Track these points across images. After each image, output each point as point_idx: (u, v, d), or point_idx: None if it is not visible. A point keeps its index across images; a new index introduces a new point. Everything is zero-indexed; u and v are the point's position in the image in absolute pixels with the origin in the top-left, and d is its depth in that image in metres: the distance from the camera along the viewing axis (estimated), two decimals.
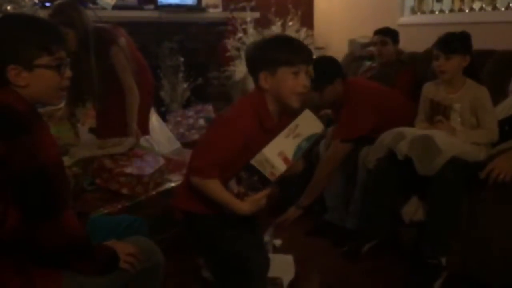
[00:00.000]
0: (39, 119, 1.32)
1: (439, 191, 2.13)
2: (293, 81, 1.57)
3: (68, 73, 1.37)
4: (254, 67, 1.63)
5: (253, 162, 1.50)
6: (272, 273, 1.84)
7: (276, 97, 1.60)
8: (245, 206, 1.54)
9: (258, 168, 1.50)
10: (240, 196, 1.57)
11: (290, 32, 4.49)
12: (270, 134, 1.56)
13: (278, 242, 2.58)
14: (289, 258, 2.37)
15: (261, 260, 1.70)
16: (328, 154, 2.62)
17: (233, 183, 1.58)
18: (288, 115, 1.65)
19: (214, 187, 1.57)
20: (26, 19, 1.38)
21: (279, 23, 4.38)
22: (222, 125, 1.65)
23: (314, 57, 3.82)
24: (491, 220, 2.11)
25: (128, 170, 2.21)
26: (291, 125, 1.57)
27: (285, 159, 1.50)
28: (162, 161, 2.44)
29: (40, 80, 1.30)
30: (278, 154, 1.50)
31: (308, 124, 1.60)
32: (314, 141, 1.61)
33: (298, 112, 1.63)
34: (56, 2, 2.62)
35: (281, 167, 1.49)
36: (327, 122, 3.18)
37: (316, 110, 3.37)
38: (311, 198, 2.52)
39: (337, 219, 2.78)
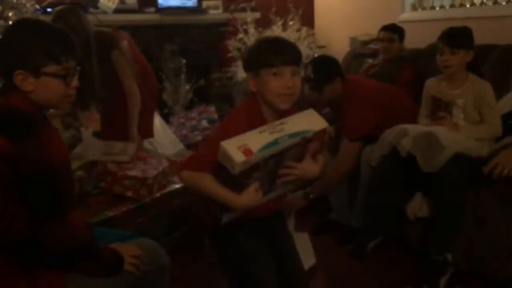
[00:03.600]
0: (46, 121, 1.34)
1: (443, 187, 2.12)
2: (274, 82, 1.55)
3: (75, 82, 1.37)
4: (244, 69, 1.66)
5: (218, 157, 1.45)
6: None
7: (263, 99, 1.60)
8: (244, 199, 1.48)
9: (222, 162, 1.43)
10: None
11: (291, 31, 4.49)
12: None
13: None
14: (305, 239, 2.39)
15: (270, 283, 1.66)
16: (340, 155, 2.61)
17: None
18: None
19: (208, 180, 1.52)
20: (39, 26, 1.37)
21: (280, 23, 4.38)
22: (218, 129, 1.67)
23: (315, 55, 3.85)
24: (496, 215, 2.11)
25: (132, 173, 2.22)
26: (276, 122, 1.52)
27: (247, 151, 1.40)
28: (165, 163, 2.44)
29: (46, 87, 1.31)
30: (238, 146, 1.41)
31: (302, 121, 1.54)
32: (310, 138, 1.52)
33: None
34: (56, 8, 2.63)
35: (238, 158, 1.38)
36: (328, 120, 3.18)
37: (316, 109, 3.40)
38: (319, 193, 2.52)
39: (342, 218, 2.79)
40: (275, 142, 1.44)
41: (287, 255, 1.77)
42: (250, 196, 1.47)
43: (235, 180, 1.44)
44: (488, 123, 2.28)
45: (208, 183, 1.51)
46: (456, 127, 2.29)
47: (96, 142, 2.55)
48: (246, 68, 1.63)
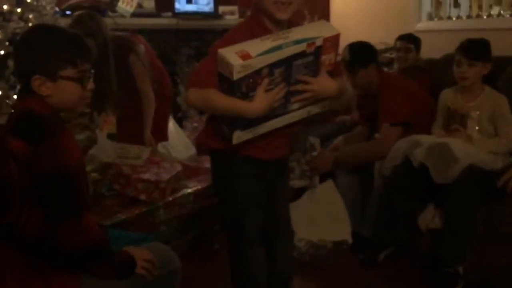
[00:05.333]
0: (62, 124, 1.37)
1: (455, 199, 2.11)
2: None
3: (91, 85, 1.40)
4: None
5: (218, 67, 1.38)
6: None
7: (261, 9, 1.50)
8: (255, 104, 1.39)
9: (222, 71, 1.36)
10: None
11: None
12: None
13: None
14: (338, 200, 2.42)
15: (255, 223, 1.67)
16: (380, 138, 2.58)
17: None
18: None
19: (214, 95, 1.45)
20: (54, 31, 1.41)
21: None
22: (218, 41, 1.56)
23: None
24: (509, 229, 2.09)
25: (146, 176, 2.24)
26: (281, 31, 1.44)
27: (244, 55, 1.32)
28: (179, 167, 2.47)
29: (63, 91, 1.34)
30: (236, 51, 1.33)
31: (311, 29, 1.45)
32: (320, 47, 1.41)
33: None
34: (75, 13, 2.69)
35: (235, 61, 1.30)
36: (341, 129, 3.19)
37: (333, 115, 3.42)
38: (346, 163, 2.58)
39: (353, 226, 2.78)
40: (278, 47, 1.36)
41: (278, 200, 1.77)
42: (262, 98, 1.39)
43: (236, 90, 1.36)
44: (503, 136, 2.27)
45: (215, 97, 1.45)
46: (470, 139, 2.28)
47: (111, 145, 2.58)
48: None
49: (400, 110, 2.53)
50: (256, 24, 1.53)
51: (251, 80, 1.35)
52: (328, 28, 1.46)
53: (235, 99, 1.40)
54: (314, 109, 1.59)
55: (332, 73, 1.55)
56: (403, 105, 2.54)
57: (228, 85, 1.36)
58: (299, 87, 1.48)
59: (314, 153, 2.60)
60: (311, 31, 1.44)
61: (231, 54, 1.33)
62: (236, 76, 1.32)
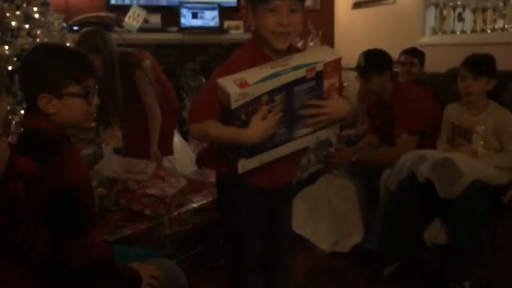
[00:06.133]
0: (69, 142, 1.38)
1: (461, 214, 2.11)
2: (270, 19, 1.43)
3: (96, 100, 1.42)
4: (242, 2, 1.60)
5: (218, 96, 1.38)
6: None
7: (261, 36, 1.49)
8: (250, 130, 1.38)
9: (222, 101, 1.36)
10: None
11: None
12: None
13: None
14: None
15: (254, 251, 1.67)
16: (398, 147, 2.58)
17: None
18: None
19: (213, 127, 1.45)
20: (58, 49, 1.45)
21: (300, 43, 4.42)
22: (217, 70, 1.56)
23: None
24: None
25: (151, 191, 2.25)
26: (281, 58, 1.43)
27: (242, 84, 1.32)
28: (184, 182, 2.47)
29: (69, 107, 1.36)
30: (234, 80, 1.34)
31: (311, 55, 1.45)
32: (321, 72, 1.40)
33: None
34: (82, 30, 2.73)
35: (232, 90, 1.30)
36: (347, 143, 3.19)
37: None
38: (364, 162, 2.63)
39: (359, 241, 2.77)
40: (276, 74, 1.36)
41: (279, 226, 1.77)
42: (258, 125, 1.37)
43: (236, 118, 1.35)
44: (508, 151, 2.27)
45: (214, 129, 1.45)
46: (475, 154, 2.28)
47: (117, 159, 2.60)
48: (244, 2, 1.53)
49: (417, 119, 2.56)
50: (256, 52, 1.52)
51: (250, 108, 1.35)
52: (329, 53, 1.47)
53: (233, 128, 1.40)
54: (323, 135, 1.56)
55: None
56: (419, 114, 2.57)
57: (228, 113, 1.36)
58: (312, 111, 1.47)
59: (331, 149, 2.63)
60: (311, 56, 1.44)
61: (229, 83, 1.34)
62: (234, 105, 1.33)
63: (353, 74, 4.33)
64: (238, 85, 1.32)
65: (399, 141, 2.60)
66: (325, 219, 2.58)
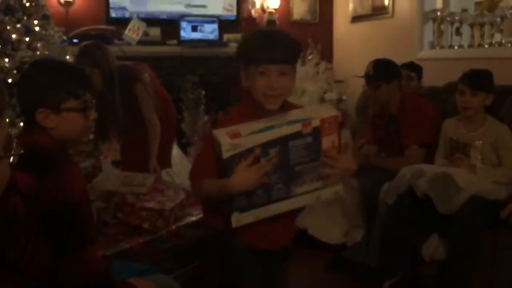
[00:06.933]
0: (68, 157, 1.39)
1: (459, 229, 2.11)
2: (260, 81, 1.43)
3: (93, 115, 1.43)
4: (236, 59, 1.55)
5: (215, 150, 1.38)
6: None
7: (254, 95, 1.49)
8: (233, 177, 1.35)
9: (217, 153, 1.36)
10: None
11: (310, 65, 4.55)
12: None
13: None
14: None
15: None
16: (408, 160, 2.57)
17: None
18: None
19: (207, 186, 1.46)
20: (55, 65, 1.47)
21: None
22: (213, 127, 1.58)
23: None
24: None
25: (150, 204, 2.24)
26: (280, 113, 1.43)
27: (234, 135, 1.33)
28: (182, 195, 2.46)
29: (66, 122, 1.37)
30: (228, 132, 1.34)
31: (308, 111, 1.45)
32: (318, 128, 1.38)
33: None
34: (82, 44, 2.75)
35: (224, 140, 1.31)
36: None
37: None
38: (376, 163, 2.70)
39: (357, 255, 2.76)
40: (270, 127, 1.35)
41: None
42: (241, 172, 1.34)
43: (228, 169, 1.34)
44: (505, 166, 2.28)
45: (208, 187, 1.45)
46: (473, 169, 2.29)
47: (116, 172, 2.60)
48: (238, 58, 1.51)
49: (427, 132, 2.59)
50: (250, 110, 1.52)
51: (243, 160, 1.34)
52: (326, 109, 1.45)
53: (223, 179, 1.38)
54: (324, 195, 1.49)
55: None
56: (428, 126, 2.60)
57: (221, 165, 1.36)
58: (327, 169, 1.43)
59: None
60: (309, 112, 1.44)
61: (222, 134, 1.35)
62: (225, 155, 1.32)
63: (353, 86, 4.39)
64: (230, 136, 1.33)
65: (409, 152, 2.63)
66: (332, 214, 2.57)
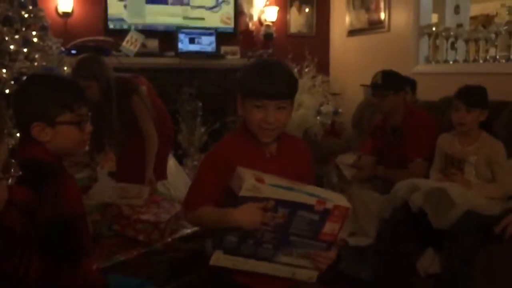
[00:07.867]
0: (63, 170, 1.39)
1: (453, 244, 2.11)
2: (256, 115, 1.43)
3: (88, 127, 1.44)
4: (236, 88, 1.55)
5: (230, 181, 1.40)
6: None
7: (249, 126, 1.49)
8: (235, 212, 1.34)
9: (232, 186, 1.37)
10: None
11: (307, 78, 4.58)
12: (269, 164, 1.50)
13: None
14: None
15: None
16: (412, 172, 2.61)
17: None
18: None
19: (206, 215, 1.45)
20: (50, 78, 1.49)
21: (295, 70, 4.48)
22: (206, 155, 1.61)
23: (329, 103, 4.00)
24: (508, 274, 2.09)
25: (145, 217, 2.24)
26: (303, 183, 1.46)
27: (259, 179, 1.34)
28: (178, 207, 2.46)
29: (62, 135, 1.38)
30: (253, 173, 1.35)
31: (327, 193, 1.48)
32: (330, 210, 1.40)
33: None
34: (79, 56, 2.76)
35: (249, 179, 1.31)
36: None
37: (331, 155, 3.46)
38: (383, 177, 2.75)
39: (352, 270, 2.76)
40: (290, 188, 1.37)
41: None
42: (249, 208, 1.33)
43: (238, 204, 1.34)
44: (500, 182, 2.29)
45: (208, 215, 1.45)
46: (468, 184, 2.30)
47: (112, 184, 2.60)
48: (237, 86, 1.51)
49: (431, 145, 2.61)
50: (244, 139, 1.53)
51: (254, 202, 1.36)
52: (342, 199, 1.48)
53: (224, 209, 1.39)
54: (299, 275, 1.50)
55: (331, 244, 1.47)
56: (432, 139, 2.61)
57: (233, 200, 1.36)
58: (316, 255, 1.44)
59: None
60: (327, 193, 1.47)
61: (248, 173, 1.36)
62: (243, 193, 1.33)
63: (349, 99, 4.41)
64: (256, 178, 1.34)
65: (413, 165, 2.65)
66: None
